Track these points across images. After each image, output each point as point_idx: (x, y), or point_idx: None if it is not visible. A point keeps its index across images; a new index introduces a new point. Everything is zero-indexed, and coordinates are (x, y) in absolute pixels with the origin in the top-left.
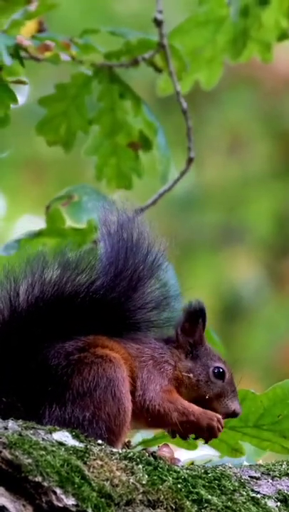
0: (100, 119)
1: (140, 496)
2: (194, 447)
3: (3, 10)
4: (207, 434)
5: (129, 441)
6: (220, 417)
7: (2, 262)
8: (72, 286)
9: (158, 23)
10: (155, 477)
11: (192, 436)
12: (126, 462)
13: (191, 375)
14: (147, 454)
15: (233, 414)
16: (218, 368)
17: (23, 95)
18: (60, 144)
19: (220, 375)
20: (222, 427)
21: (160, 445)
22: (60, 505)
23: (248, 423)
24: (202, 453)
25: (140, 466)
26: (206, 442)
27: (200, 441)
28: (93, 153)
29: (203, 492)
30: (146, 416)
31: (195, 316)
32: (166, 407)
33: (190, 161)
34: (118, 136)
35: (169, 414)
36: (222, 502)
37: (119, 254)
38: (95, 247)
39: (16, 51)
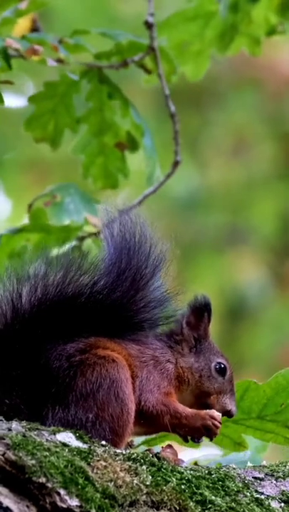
0: (88, 119)
1: (144, 497)
2: (198, 446)
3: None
4: (205, 433)
5: (132, 441)
6: (213, 413)
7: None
8: (75, 287)
9: (149, 26)
10: (159, 478)
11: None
12: (130, 463)
13: (193, 368)
14: (151, 455)
15: (228, 414)
16: (221, 363)
17: (26, 96)
18: (47, 141)
19: (221, 371)
20: (220, 422)
21: (164, 446)
22: (64, 506)
23: (251, 415)
24: (205, 452)
25: (144, 467)
26: (211, 440)
27: (205, 440)
28: (80, 152)
29: (207, 493)
30: (140, 417)
31: (200, 310)
32: (159, 409)
33: (176, 164)
34: (106, 136)
35: (161, 417)
36: (226, 503)
37: (121, 255)
38: (80, 244)
39: (5, 53)
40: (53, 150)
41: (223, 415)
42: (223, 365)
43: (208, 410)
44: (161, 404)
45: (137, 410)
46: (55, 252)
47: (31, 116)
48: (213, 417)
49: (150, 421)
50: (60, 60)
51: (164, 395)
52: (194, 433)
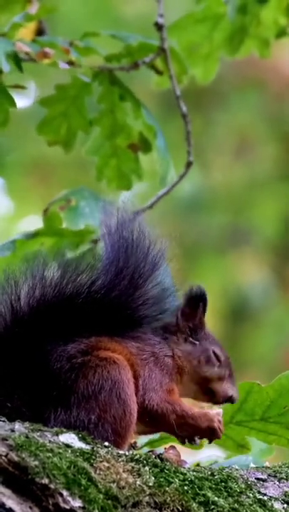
0: (101, 121)
1: (147, 498)
2: (200, 447)
3: (2, 8)
4: (208, 435)
5: (135, 442)
6: (220, 416)
7: (0, 263)
8: (73, 287)
9: (159, 27)
10: (162, 479)
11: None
12: (132, 464)
13: (190, 357)
14: (154, 456)
15: (230, 400)
16: (215, 352)
17: (30, 98)
18: (60, 144)
19: (218, 358)
20: (222, 428)
21: (166, 447)
22: (67, 507)
23: (254, 417)
24: (208, 454)
25: (147, 468)
26: (210, 442)
27: (204, 441)
28: (94, 154)
29: (209, 494)
30: (145, 416)
31: (195, 300)
32: (164, 408)
33: (189, 164)
34: (118, 138)
35: (167, 415)
36: (229, 504)
37: (119, 253)
38: (94, 247)
39: (15, 57)
40: (66, 153)
41: (225, 401)
42: (219, 353)
43: (218, 411)
44: (166, 403)
45: (142, 410)
46: (68, 255)
47: (44, 120)
48: (220, 421)
49: (155, 420)
50: (71, 63)
51: (167, 393)
52: (197, 434)
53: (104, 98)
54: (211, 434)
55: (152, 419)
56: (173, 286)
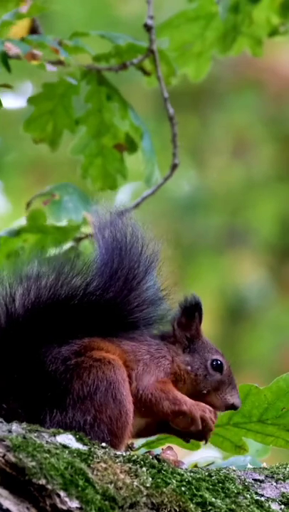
0: (87, 120)
1: (144, 499)
2: (198, 447)
3: None
4: (201, 426)
5: (132, 443)
6: (211, 408)
7: None
8: (68, 289)
9: (148, 29)
10: (159, 480)
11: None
12: (130, 465)
13: (189, 368)
14: (151, 457)
15: (233, 407)
16: (216, 360)
17: (25, 97)
18: (46, 142)
19: (218, 367)
20: (215, 418)
21: (164, 447)
22: (64, 508)
23: (251, 418)
24: (205, 454)
25: (144, 468)
26: (206, 442)
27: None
28: (79, 152)
29: (207, 495)
30: (140, 406)
31: (191, 310)
32: (157, 396)
33: (174, 167)
34: (104, 138)
35: (160, 403)
36: (226, 505)
37: (113, 255)
38: (76, 245)
39: (4, 57)
40: (52, 151)
41: (227, 409)
42: (219, 362)
43: (210, 406)
44: (160, 391)
45: (136, 400)
46: (51, 253)
47: (30, 117)
48: (211, 411)
49: (150, 409)
50: (60, 62)
51: (161, 383)
52: (189, 424)
53: (91, 97)
54: (203, 427)
55: (147, 409)
56: (164, 289)
